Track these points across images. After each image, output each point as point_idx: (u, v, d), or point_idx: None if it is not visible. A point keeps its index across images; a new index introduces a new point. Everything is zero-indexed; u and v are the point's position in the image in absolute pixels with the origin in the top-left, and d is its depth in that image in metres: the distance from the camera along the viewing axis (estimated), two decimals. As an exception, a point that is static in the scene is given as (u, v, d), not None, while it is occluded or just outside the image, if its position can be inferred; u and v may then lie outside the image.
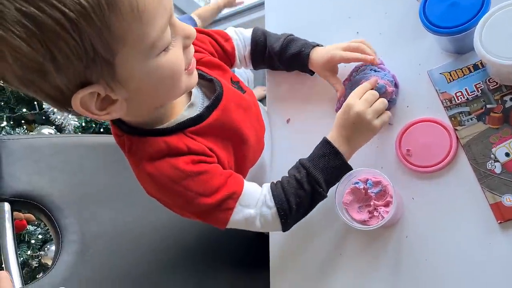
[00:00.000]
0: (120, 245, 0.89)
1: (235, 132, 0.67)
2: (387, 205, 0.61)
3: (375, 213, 0.62)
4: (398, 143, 0.69)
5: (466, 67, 0.66)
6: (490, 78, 0.63)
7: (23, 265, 1.38)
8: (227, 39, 0.79)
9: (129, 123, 0.60)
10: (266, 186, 0.66)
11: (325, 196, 0.65)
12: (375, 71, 0.72)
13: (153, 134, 0.60)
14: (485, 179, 0.61)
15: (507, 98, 0.62)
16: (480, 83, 0.64)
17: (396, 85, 0.71)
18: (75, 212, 0.88)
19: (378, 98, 0.65)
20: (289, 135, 0.82)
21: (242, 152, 0.69)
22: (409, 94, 0.71)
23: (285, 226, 0.65)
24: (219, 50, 0.77)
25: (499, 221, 0.59)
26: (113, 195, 0.94)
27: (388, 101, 0.70)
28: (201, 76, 0.67)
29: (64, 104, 0.48)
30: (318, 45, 0.76)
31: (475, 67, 0.65)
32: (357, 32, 0.79)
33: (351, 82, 0.74)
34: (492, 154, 0.61)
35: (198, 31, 0.74)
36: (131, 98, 0.51)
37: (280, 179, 0.66)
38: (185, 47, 0.53)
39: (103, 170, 0.95)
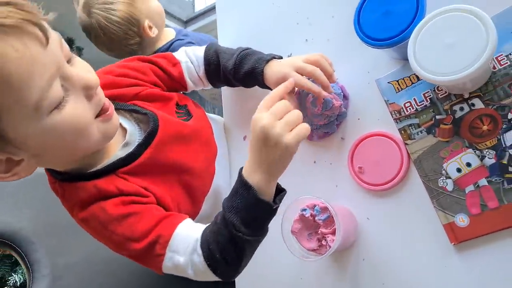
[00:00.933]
0: (92, 275, 0.89)
1: (174, 166, 0.64)
2: (334, 232, 0.58)
3: (323, 242, 0.59)
4: (350, 160, 0.65)
5: (414, 74, 0.61)
6: (439, 87, 0.59)
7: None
8: (175, 63, 0.75)
9: (60, 170, 0.58)
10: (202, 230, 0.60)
11: (250, 241, 0.53)
12: (322, 83, 0.68)
13: (84, 179, 0.58)
14: (437, 197, 0.57)
15: (456, 107, 0.57)
16: (428, 91, 0.60)
17: (345, 97, 0.67)
18: (45, 245, 0.88)
19: (292, 109, 0.52)
20: (246, 154, 0.79)
21: (188, 183, 0.67)
22: (360, 105, 0.67)
23: (222, 276, 0.57)
24: (163, 77, 0.73)
25: (453, 243, 0.55)
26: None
27: (337, 114, 0.67)
28: (136, 111, 0.65)
29: None
30: (274, 58, 0.69)
31: (424, 74, 0.60)
32: (306, 40, 0.75)
33: (299, 97, 0.70)
34: (444, 170, 0.57)
35: (140, 60, 0.71)
36: (39, 154, 0.49)
37: None
38: (89, 97, 0.50)
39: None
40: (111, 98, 0.58)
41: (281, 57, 0.70)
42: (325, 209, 0.60)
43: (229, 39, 0.87)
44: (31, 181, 0.94)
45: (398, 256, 0.59)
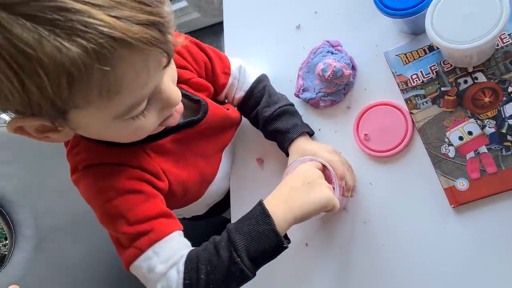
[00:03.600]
0: (79, 238, 0.86)
1: (199, 152, 0.66)
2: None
3: None
4: (356, 128, 0.68)
5: (422, 48, 0.64)
6: (445, 60, 0.62)
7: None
8: (226, 73, 0.72)
9: None
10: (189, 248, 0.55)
11: (244, 273, 0.49)
12: (332, 53, 0.70)
13: (106, 143, 0.54)
14: (439, 163, 0.61)
15: (460, 80, 0.61)
16: (435, 65, 0.63)
17: (353, 68, 0.70)
18: (29, 206, 0.84)
19: None
20: (249, 145, 0.79)
21: (203, 168, 0.67)
22: (367, 76, 0.69)
23: None
24: (210, 76, 0.70)
25: (452, 206, 0.59)
26: (68, 184, 0.91)
27: (345, 84, 0.69)
28: (187, 97, 0.64)
29: None
30: (308, 133, 0.69)
31: (430, 48, 0.64)
32: (315, 12, 0.76)
33: (309, 65, 0.72)
34: (446, 138, 0.61)
35: (198, 46, 0.69)
36: (83, 132, 0.49)
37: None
38: (163, 110, 0.50)
39: (56, 159, 0.90)
40: None
41: (313, 132, 0.71)
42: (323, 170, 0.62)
43: (236, 7, 0.87)
44: (14, 137, 0.90)
45: (399, 218, 0.62)
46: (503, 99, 0.58)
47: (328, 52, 0.70)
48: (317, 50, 0.72)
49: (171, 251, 0.52)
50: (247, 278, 0.51)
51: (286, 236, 0.54)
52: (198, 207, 0.81)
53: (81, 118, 0.43)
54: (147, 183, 0.56)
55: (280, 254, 0.52)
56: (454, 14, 0.53)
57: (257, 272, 0.52)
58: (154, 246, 0.52)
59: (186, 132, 0.63)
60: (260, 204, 0.52)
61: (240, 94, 0.74)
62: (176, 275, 0.51)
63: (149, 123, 0.49)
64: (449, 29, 0.54)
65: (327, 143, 0.70)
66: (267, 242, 0.50)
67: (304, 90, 0.72)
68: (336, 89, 0.68)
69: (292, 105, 0.72)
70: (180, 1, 1.89)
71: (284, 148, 0.69)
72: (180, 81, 0.64)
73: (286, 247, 0.52)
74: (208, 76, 0.70)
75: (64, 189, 0.90)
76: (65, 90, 0.37)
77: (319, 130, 0.71)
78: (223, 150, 0.74)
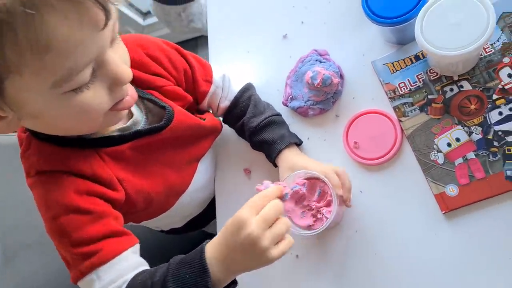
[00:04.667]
0: (48, 254, 0.80)
1: (164, 161, 0.62)
2: (328, 204, 0.59)
3: (319, 216, 0.59)
4: (345, 136, 0.67)
5: (408, 57, 0.65)
6: (431, 69, 0.64)
7: None
8: (208, 80, 0.70)
9: None
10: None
11: None
12: (320, 62, 0.70)
13: (61, 143, 0.51)
14: (429, 169, 0.61)
15: (447, 88, 0.62)
16: (421, 73, 0.64)
17: (341, 76, 0.70)
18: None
19: (279, 215, 0.47)
20: (234, 155, 0.78)
21: (170, 178, 0.64)
22: (354, 85, 0.70)
23: None
24: (190, 84, 0.68)
25: (443, 211, 0.59)
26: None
27: (334, 92, 0.69)
28: (153, 102, 0.61)
29: None
30: (296, 143, 0.68)
31: (416, 57, 0.65)
32: (302, 22, 0.77)
33: (297, 74, 0.72)
34: (435, 144, 0.61)
35: (181, 54, 0.67)
36: (29, 121, 0.45)
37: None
38: (113, 89, 0.46)
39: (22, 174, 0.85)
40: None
41: (301, 142, 0.70)
42: (314, 184, 0.61)
43: (221, 15, 0.86)
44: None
45: (390, 226, 0.62)
46: (488, 106, 0.59)
47: (316, 60, 0.70)
48: (305, 59, 0.72)
49: (115, 275, 0.50)
50: None
51: (234, 281, 0.51)
52: (172, 219, 0.77)
53: (19, 92, 0.40)
54: (98, 198, 0.52)
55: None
56: (443, 22, 0.55)
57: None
58: (97, 270, 0.50)
59: (148, 139, 0.59)
60: (202, 254, 0.47)
61: (225, 103, 0.73)
62: None
63: (97, 102, 0.45)
64: (438, 37, 0.55)
65: (317, 152, 0.70)
66: None
67: (292, 99, 0.72)
68: (325, 97, 0.68)
69: (278, 115, 0.71)
70: (152, 16, 1.89)
71: (272, 159, 0.67)
72: (151, 87, 0.61)
73: None
74: (188, 83, 0.68)
75: (32, 205, 0.84)
76: None
77: (308, 139, 0.71)
78: (198, 160, 0.71)
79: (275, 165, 0.68)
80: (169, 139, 0.62)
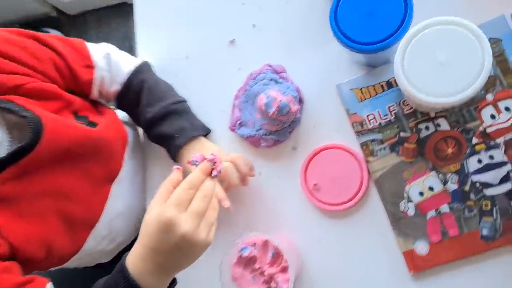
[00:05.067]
0: None
1: (51, 191, 0.48)
2: (284, 270, 0.50)
3: (273, 285, 0.50)
4: (304, 174, 0.57)
5: (379, 84, 0.55)
6: (404, 101, 0.54)
7: None
8: (89, 65, 0.55)
9: None
10: None
11: None
12: (276, 82, 0.58)
13: None
14: (397, 222, 0.53)
15: (422, 126, 0.53)
16: (394, 105, 0.54)
17: (300, 101, 0.58)
18: None
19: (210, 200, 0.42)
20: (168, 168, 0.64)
21: (68, 211, 0.50)
22: (316, 112, 0.59)
23: None
24: (67, 75, 0.53)
25: (411, 272, 0.52)
26: None
27: (292, 121, 0.57)
28: (11, 112, 0.45)
29: None
30: (200, 135, 0.58)
31: (389, 84, 0.55)
32: (254, 25, 0.63)
33: (247, 94, 0.59)
34: (406, 192, 0.53)
35: (41, 42, 0.51)
36: None
37: None
38: None
39: None
40: None
41: (208, 131, 0.60)
42: (267, 244, 0.51)
43: (151, 8, 0.68)
44: None
45: (351, 284, 0.54)
46: (467, 151, 0.52)
47: (271, 80, 0.57)
48: (257, 76, 0.59)
49: None
50: None
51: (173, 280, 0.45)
52: (93, 257, 0.63)
53: None
54: None
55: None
56: (428, 59, 0.44)
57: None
58: None
59: (22, 165, 0.45)
60: (126, 278, 0.40)
61: (114, 87, 0.60)
62: None
63: None
64: (421, 75, 0.45)
65: (269, 190, 0.59)
66: None
67: (241, 125, 0.59)
68: (280, 127, 0.57)
69: (183, 101, 0.60)
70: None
71: (172, 156, 0.58)
72: (8, 92, 0.46)
73: None
74: (64, 76, 0.53)
75: None
76: None
77: (260, 174, 0.59)
78: (111, 181, 0.58)
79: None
80: (50, 159, 0.47)
